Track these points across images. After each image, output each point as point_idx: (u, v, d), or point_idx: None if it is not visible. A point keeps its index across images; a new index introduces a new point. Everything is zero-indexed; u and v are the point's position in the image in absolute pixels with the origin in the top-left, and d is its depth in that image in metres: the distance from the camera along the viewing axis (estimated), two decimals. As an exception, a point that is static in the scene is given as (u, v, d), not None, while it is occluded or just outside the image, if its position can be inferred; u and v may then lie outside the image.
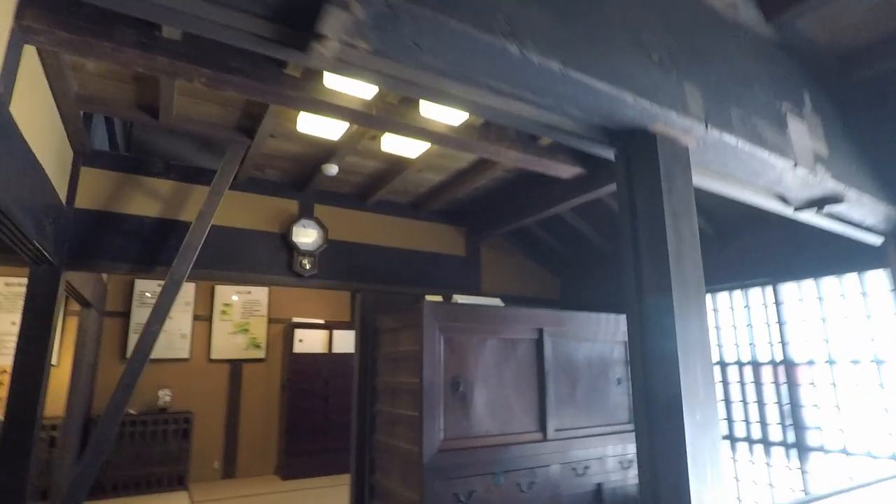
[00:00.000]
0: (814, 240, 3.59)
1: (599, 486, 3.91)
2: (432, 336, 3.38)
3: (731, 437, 4.04)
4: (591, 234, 4.60)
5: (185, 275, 3.06)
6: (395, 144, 3.21)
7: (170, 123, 3.04)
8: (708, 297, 4.22)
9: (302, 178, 4.02)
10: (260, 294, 6.66)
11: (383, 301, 4.27)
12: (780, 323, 3.76)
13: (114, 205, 3.49)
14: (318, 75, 2.55)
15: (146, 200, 3.58)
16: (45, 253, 2.92)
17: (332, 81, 2.54)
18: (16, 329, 5.39)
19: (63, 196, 3.24)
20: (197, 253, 3.15)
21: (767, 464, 3.80)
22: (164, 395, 5.78)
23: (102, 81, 2.75)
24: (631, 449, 4.11)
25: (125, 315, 5.90)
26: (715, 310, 4.23)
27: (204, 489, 5.61)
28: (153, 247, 3.52)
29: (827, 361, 3.52)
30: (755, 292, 3.99)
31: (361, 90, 2.59)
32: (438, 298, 3.56)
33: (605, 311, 4.25)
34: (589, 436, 3.91)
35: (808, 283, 3.67)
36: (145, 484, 5.39)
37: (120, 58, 2.20)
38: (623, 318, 4.26)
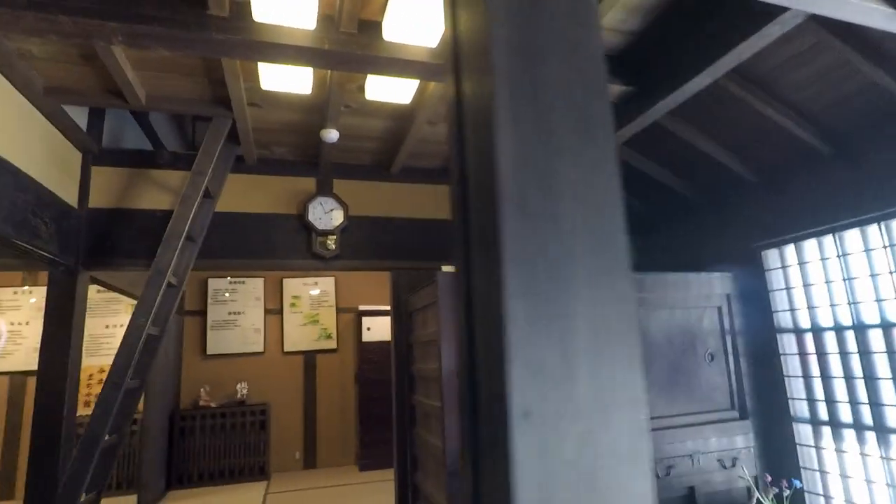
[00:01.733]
0: (885, 170, 2.51)
1: (692, 490, 3.11)
2: (451, 313, 2.85)
3: (793, 419, 3.13)
4: (662, 176, 3.71)
5: (170, 264, 2.85)
6: (378, 89, 2.71)
7: (141, 105, 2.84)
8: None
9: (313, 152, 3.68)
10: (327, 284, 6.56)
11: (423, 279, 3.82)
12: (847, 279, 2.75)
13: (126, 201, 3.42)
14: (247, 10, 2.13)
15: (157, 194, 3.47)
16: (46, 255, 2.88)
17: (263, 13, 2.10)
18: (108, 332, 5.81)
19: (72, 197, 3.21)
20: (182, 240, 2.92)
21: (838, 450, 2.80)
22: (242, 388, 5.89)
23: (57, 67, 2.59)
24: (738, 443, 3.24)
25: (203, 313, 6.11)
26: (768, 270, 3.29)
27: (284, 479, 5.64)
28: (166, 240, 3.39)
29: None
30: (810, 245, 3.02)
31: (300, 19, 2.12)
32: (458, 269, 3.00)
33: (694, 271, 3.40)
34: (671, 427, 3.12)
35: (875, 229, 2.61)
36: (229, 474, 5.54)
37: (21, 24, 1.96)
38: (717, 277, 3.38)
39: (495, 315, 0.50)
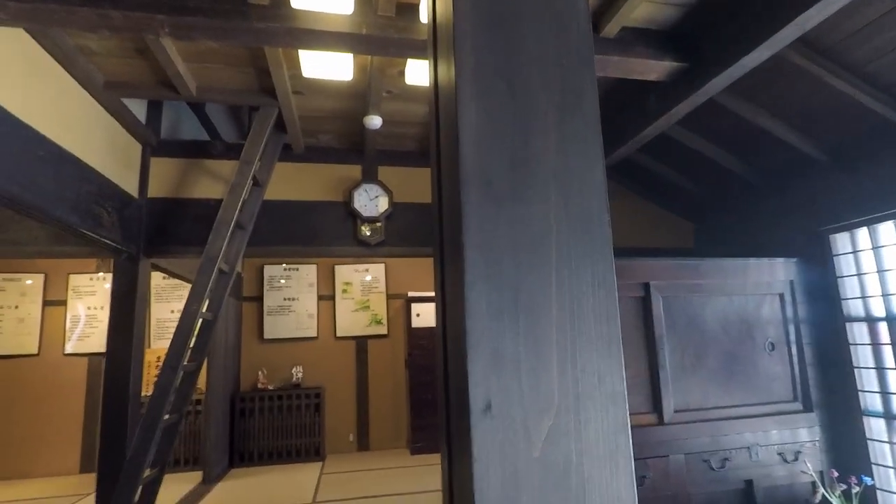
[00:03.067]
0: None
1: (749, 483, 2.95)
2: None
3: (864, 413, 2.90)
4: (719, 156, 3.50)
5: (220, 251, 2.96)
6: (419, 73, 2.68)
7: (193, 96, 2.95)
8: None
9: (358, 139, 3.72)
10: (377, 271, 6.66)
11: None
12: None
13: (182, 191, 3.58)
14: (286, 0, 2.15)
15: (211, 183, 3.61)
16: (110, 242, 3.06)
17: (301, 0, 2.12)
18: (174, 316, 6.15)
19: (133, 188, 3.39)
20: (231, 227, 3.03)
21: None
22: (297, 372, 6.10)
23: (115, 62, 2.73)
24: (801, 436, 3.05)
25: (259, 299, 6.36)
26: (836, 255, 3.03)
27: (338, 460, 5.82)
28: (220, 228, 3.53)
29: None
30: (886, 228, 2.78)
31: (338, 4, 2.13)
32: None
33: (755, 256, 3.20)
34: (727, 418, 2.96)
35: None
36: (286, 454, 5.77)
37: (75, 20, 2.07)
38: (779, 263, 3.16)
39: (457, 303, 0.46)
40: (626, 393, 0.46)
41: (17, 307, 5.67)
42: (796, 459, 2.99)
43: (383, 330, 6.55)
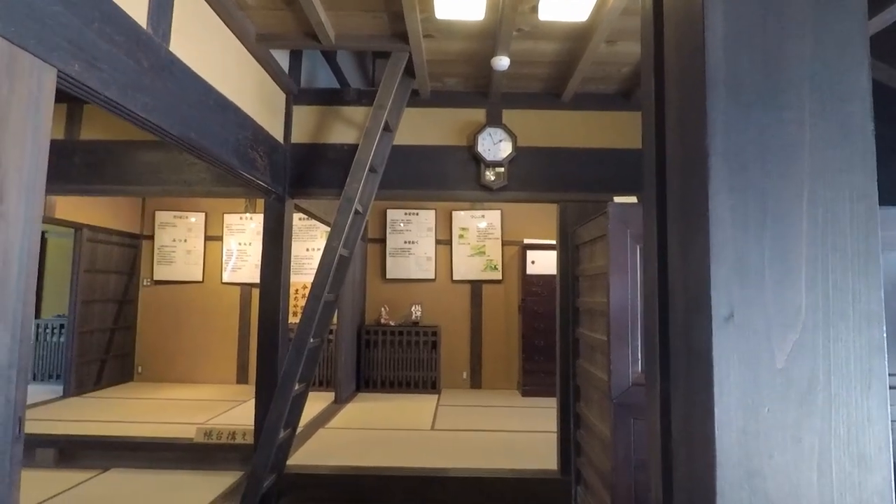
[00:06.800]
0: None
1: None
2: (622, 246, 2.72)
3: None
4: (907, 89, 2.96)
5: (357, 192, 3.16)
6: (553, 8, 2.56)
7: (332, 44, 3.09)
8: None
9: (483, 82, 3.68)
10: (493, 217, 6.71)
11: (591, 212, 3.70)
12: None
13: (320, 136, 3.83)
14: (424, -64, 2.14)
15: (344, 128, 3.83)
16: (262, 184, 3.40)
17: (439, -62, 2.09)
18: (308, 254, 6.76)
19: (279, 133, 3.70)
20: (366, 170, 3.20)
21: None
22: (416, 311, 6.47)
23: (265, 14, 2.92)
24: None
25: (382, 241, 6.75)
26: None
27: (452, 395, 6.18)
28: (353, 171, 3.75)
29: None
30: None
31: (475, -61, 2.07)
32: (632, 199, 2.83)
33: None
34: None
35: None
36: (405, 384, 6.24)
37: (236, -24, 2.24)
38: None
39: (696, 212, 0.46)
40: (883, 314, 0.44)
41: (185, 241, 6.59)
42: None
43: (498, 275, 6.66)
